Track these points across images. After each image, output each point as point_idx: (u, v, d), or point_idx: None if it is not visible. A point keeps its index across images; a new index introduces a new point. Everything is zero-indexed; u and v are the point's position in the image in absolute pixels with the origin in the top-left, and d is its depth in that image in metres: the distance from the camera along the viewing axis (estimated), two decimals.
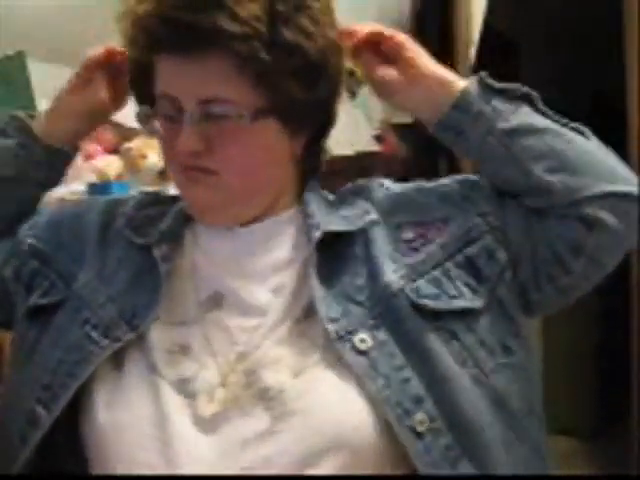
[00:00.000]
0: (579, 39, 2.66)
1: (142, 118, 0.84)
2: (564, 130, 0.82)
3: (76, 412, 0.79)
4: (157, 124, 0.84)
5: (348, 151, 2.08)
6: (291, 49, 0.79)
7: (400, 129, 2.46)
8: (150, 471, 0.73)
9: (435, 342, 0.76)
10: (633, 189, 0.80)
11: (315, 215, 0.85)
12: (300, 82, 0.81)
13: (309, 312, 0.79)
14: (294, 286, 0.81)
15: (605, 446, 2.36)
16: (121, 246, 0.86)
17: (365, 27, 0.86)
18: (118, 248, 0.86)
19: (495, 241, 0.81)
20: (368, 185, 0.90)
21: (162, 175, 1.98)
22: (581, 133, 0.83)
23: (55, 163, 0.93)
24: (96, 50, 0.90)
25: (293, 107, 0.82)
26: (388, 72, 0.86)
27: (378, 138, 2.40)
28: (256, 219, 0.85)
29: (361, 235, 0.83)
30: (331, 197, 0.90)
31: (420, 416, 0.73)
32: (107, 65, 0.90)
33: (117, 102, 0.93)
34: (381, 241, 0.83)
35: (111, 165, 1.94)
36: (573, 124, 0.84)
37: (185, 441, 0.73)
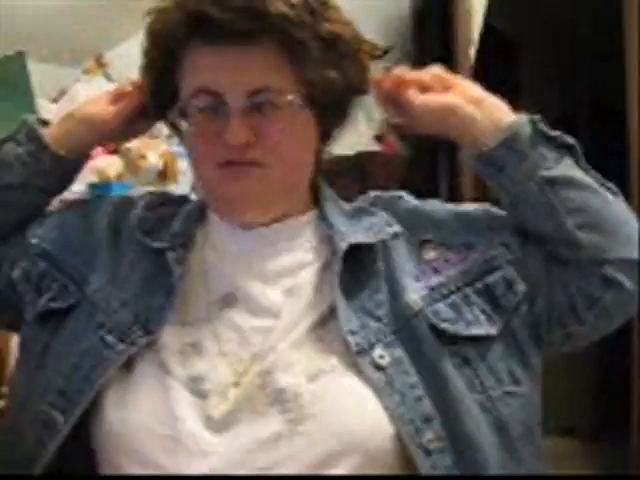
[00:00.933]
0: (579, 39, 2.66)
1: (178, 116, 0.82)
2: (601, 189, 0.83)
3: (86, 412, 0.78)
4: (184, 123, 0.82)
5: (348, 151, 2.08)
6: (332, 39, 0.81)
7: (400, 129, 2.46)
8: (159, 470, 0.72)
9: (448, 365, 0.77)
10: None
11: (337, 224, 0.85)
12: (338, 74, 0.82)
13: (327, 320, 0.80)
14: (310, 290, 0.81)
15: (605, 446, 2.36)
16: (133, 249, 0.86)
17: (407, 71, 0.86)
18: (130, 251, 0.86)
19: (515, 273, 0.82)
20: (387, 196, 0.91)
21: (162, 175, 1.99)
22: (614, 193, 0.84)
23: (64, 172, 0.93)
24: (137, 82, 0.90)
25: (330, 100, 0.83)
26: (446, 96, 0.85)
27: (378, 138, 2.40)
28: (274, 220, 0.85)
29: (383, 248, 0.84)
30: (346, 205, 0.90)
31: (429, 435, 0.75)
32: (136, 95, 0.90)
33: (130, 133, 0.94)
34: (403, 256, 0.83)
35: (111, 165, 1.94)
36: (608, 184, 0.85)
37: (196, 440, 0.73)
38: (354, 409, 0.74)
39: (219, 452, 0.72)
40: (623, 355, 1.81)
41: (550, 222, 0.82)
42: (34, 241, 0.89)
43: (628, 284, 0.82)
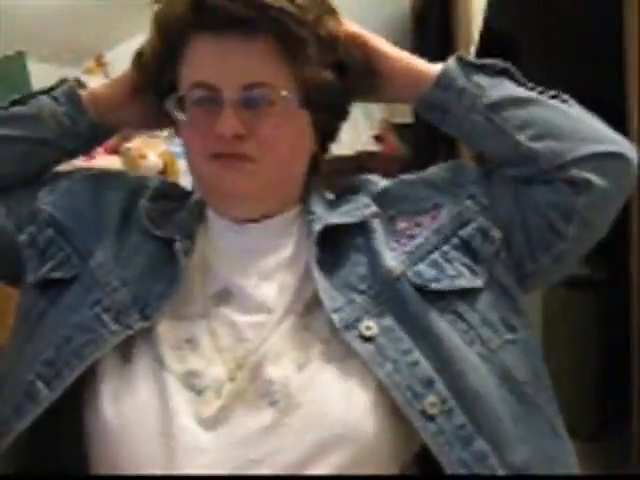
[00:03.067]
0: (579, 39, 2.66)
1: (174, 107, 0.83)
2: (546, 99, 0.84)
3: (79, 402, 0.79)
4: (180, 114, 0.83)
5: (348, 151, 2.08)
6: (331, 41, 0.83)
7: (400, 129, 2.46)
8: (154, 466, 0.73)
9: (441, 323, 0.77)
10: (617, 148, 0.82)
11: (316, 212, 0.86)
12: (336, 75, 0.84)
13: (312, 306, 0.80)
14: (298, 283, 0.82)
15: (605, 446, 2.36)
16: (138, 233, 0.86)
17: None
18: (135, 234, 0.87)
19: (488, 221, 0.83)
20: (364, 180, 0.92)
21: (162, 175, 1.99)
22: (563, 101, 0.85)
23: (93, 138, 0.93)
24: None
25: (326, 99, 0.84)
26: (366, 80, 0.88)
27: (378, 138, 2.40)
28: (266, 216, 0.85)
29: (361, 227, 0.84)
30: (330, 196, 0.91)
31: (431, 399, 0.74)
32: None
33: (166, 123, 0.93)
34: (379, 234, 0.84)
35: (111, 165, 1.94)
36: (554, 92, 0.85)
37: (190, 436, 0.73)
38: (341, 396, 0.74)
39: (212, 447, 0.73)
40: (623, 355, 1.81)
41: (504, 144, 0.83)
42: (44, 207, 0.89)
43: (598, 181, 0.80)
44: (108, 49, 2.67)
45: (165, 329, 0.80)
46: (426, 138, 2.46)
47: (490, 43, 2.30)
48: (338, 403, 0.74)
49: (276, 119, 0.81)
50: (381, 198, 0.88)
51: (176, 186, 0.99)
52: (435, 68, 0.87)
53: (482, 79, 0.85)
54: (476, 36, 2.30)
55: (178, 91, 0.84)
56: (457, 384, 0.75)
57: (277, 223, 0.86)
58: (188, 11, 0.80)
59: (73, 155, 0.95)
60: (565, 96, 0.86)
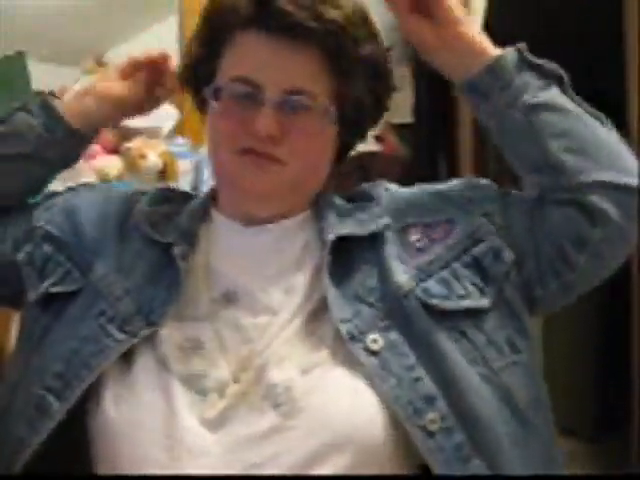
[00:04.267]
0: (579, 39, 2.66)
1: (211, 95, 0.83)
2: (586, 116, 0.83)
3: (84, 404, 0.78)
4: (215, 103, 0.83)
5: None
6: (373, 61, 0.84)
7: (400, 129, 2.46)
8: (157, 467, 0.73)
9: (445, 341, 0.77)
10: (634, 181, 0.80)
11: (328, 218, 0.86)
12: (370, 95, 0.86)
13: (319, 312, 0.80)
14: (306, 287, 0.82)
15: (605, 446, 2.36)
16: (137, 240, 0.87)
17: None
18: (135, 242, 0.87)
19: (500, 241, 0.82)
20: (376, 189, 0.92)
21: (162, 175, 1.98)
22: (602, 122, 0.84)
23: (74, 146, 0.94)
24: (145, 53, 0.92)
25: (356, 117, 0.86)
26: (422, 28, 0.85)
27: (378, 138, 2.39)
28: (275, 217, 0.86)
29: (373, 239, 0.84)
30: (339, 200, 0.91)
31: (431, 415, 0.74)
32: (151, 67, 0.92)
33: (150, 104, 0.95)
34: (391, 245, 0.84)
35: (111, 165, 1.94)
36: (597, 112, 0.84)
37: (193, 437, 0.73)
38: (346, 401, 0.74)
39: (215, 449, 0.72)
40: (623, 355, 1.81)
41: (535, 148, 0.82)
42: (40, 224, 0.90)
43: (614, 214, 0.79)
44: (108, 49, 2.67)
45: (169, 331, 0.80)
46: (426, 138, 2.46)
47: (490, 43, 2.30)
48: (342, 408, 0.74)
49: (310, 127, 0.82)
50: (393, 206, 0.88)
51: (176, 190, 1.00)
52: (493, 52, 0.84)
53: (532, 78, 0.83)
54: None
55: (216, 79, 0.84)
56: (458, 403, 0.75)
57: (285, 226, 0.86)
58: (248, 7, 0.81)
59: (59, 166, 0.95)
60: (605, 118, 0.85)
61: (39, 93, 0.95)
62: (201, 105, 0.90)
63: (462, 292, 0.80)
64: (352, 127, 0.88)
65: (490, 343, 0.79)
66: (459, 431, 0.74)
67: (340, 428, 0.72)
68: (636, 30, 1.67)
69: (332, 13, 0.80)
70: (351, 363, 0.76)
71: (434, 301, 0.79)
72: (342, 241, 0.83)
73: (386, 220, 0.86)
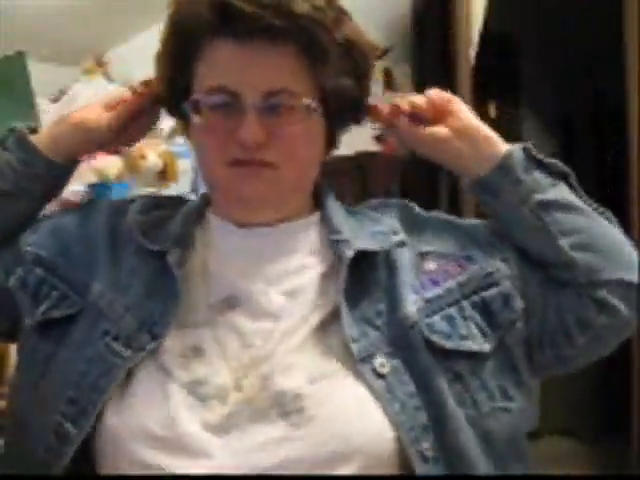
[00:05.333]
0: (579, 39, 2.66)
1: (189, 110, 0.82)
2: (594, 213, 0.85)
3: None
4: (196, 118, 0.82)
5: (348, 151, 2.08)
6: (349, 47, 0.82)
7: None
8: (160, 472, 0.72)
9: (440, 380, 0.77)
10: (637, 278, 0.83)
11: (343, 230, 0.85)
12: (352, 82, 0.84)
13: (328, 324, 0.79)
14: (313, 294, 0.81)
15: (605, 446, 2.36)
16: (131, 252, 0.85)
17: (405, 101, 0.86)
18: (129, 254, 0.85)
19: (513, 288, 0.83)
20: (394, 203, 0.92)
21: (162, 175, 1.99)
22: (609, 219, 0.86)
23: (55, 178, 0.92)
24: (131, 89, 0.90)
25: (342, 106, 0.84)
26: (435, 128, 0.86)
27: (378, 138, 2.39)
28: (278, 220, 0.85)
29: (387, 256, 0.84)
30: (350, 209, 0.91)
31: (425, 444, 0.75)
32: (134, 105, 0.90)
33: (128, 140, 0.93)
34: (405, 266, 0.83)
35: (111, 165, 1.94)
36: (602, 208, 0.86)
37: (196, 444, 0.72)
38: (355, 413, 0.74)
39: (219, 455, 0.72)
40: (623, 356, 1.81)
41: (545, 245, 0.83)
42: (28, 248, 0.88)
43: (623, 309, 0.82)
44: (108, 49, 2.67)
45: (169, 338, 0.79)
46: None
47: (490, 43, 2.30)
48: (352, 419, 0.73)
49: (296, 126, 0.80)
50: (414, 227, 0.88)
51: (165, 196, 0.98)
52: (501, 146, 0.85)
53: (541, 176, 0.84)
54: (476, 36, 2.30)
55: (192, 94, 0.82)
56: (444, 439, 0.76)
57: (287, 228, 0.85)
58: (211, 15, 0.79)
59: (42, 200, 0.93)
60: (609, 213, 0.86)
61: (13, 129, 0.91)
62: (181, 119, 0.88)
63: (465, 333, 0.80)
64: (338, 115, 0.86)
65: (482, 388, 0.79)
66: (443, 464, 0.75)
67: (349, 438, 0.72)
68: (636, 30, 1.67)
69: (298, 6, 0.77)
70: (360, 378, 0.76)
71: (436, 338, 0.79)
72: (358, 256, 0.82)
73: (401, 236, 0.86)
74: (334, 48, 0.81)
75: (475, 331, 0.80)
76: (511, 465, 0.80)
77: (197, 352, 0.78)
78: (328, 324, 0.79)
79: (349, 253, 0.81)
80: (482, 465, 0.77)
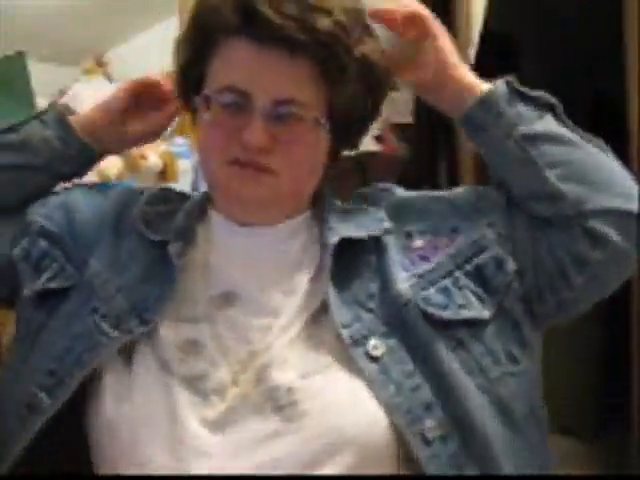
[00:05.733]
0: (579, 39, 2.66)
1: (200, 104, 0.83)
2: (583, 142, 0.84)
3: (82, 407, 0.79)
4: (205, 113, 0.82)
5: (348, 151, 2.08)
6: (367, 67, 0.83)
7: (400, 129, 2.45)
8: (159, 469, 0.72)
9: (443, 350, 0.77)
10: (635, 207, 0.80)
11: (330, 221, 0.85)
12: (364, 101, 0.85)
13: (319, 315, 0.80)
14: (306, 289, 0.81)
15: (605, 446, 2.36)
16: (133, 239, 0.86)
17: (401, 8, 0.87)
18: (130, 240, 0.86)
19: (504, 251, 0.82)
20: (379, 192, 0.92)
21: (162, 175, 1.99)
22: (600, 148, 0.84)
23: (86, 160, 0.94)
24: (145, 77, 0.93)
25: (349, 123, 0.85)
26: (419, 75, 0.88)
27: (378, 138, 2.39)
28: (276, 220, 0.85)
29: (375, 243, 0.84)
30: (342, 204, 0.91)
31: (429, 423, 0.74)
32: (148, 89, 0.93)
33: (149, 128, 0.95)
34: (393, 249, 0.83)
35: (111, 165, 1.93)
36: (592, 138, 0.85)
37: (195, 439, 0.73)
38: (348, 405, 0.74)
39: (216, 451, 0.72)
40: (623, 355, 1.81)
41: (533, 178, 0.83)
42: (36, 220, 0.89)
43: (617, 239, 0.80)
44: (108, 49, 2.67)
45: (168, 331, 0.79)
46: (426, 138, 2.46)
47: (490, 43, 2.30)
48: (344, 411, 0.74)
49: (302, 137, 0.81)
50: (397, 211, 0.88)
51: (174, 191, 0.99)
52: (483, 86, 0.87)
53: (525, 109, 0.84)
54: (476, 36, 2.30)
55: (204, 88, 0.83)
56: (454, 411, 0.75)
57: (285, 227, 0.86)
58: (234, 15, 0.79)
59: (67, 179, 0.95)
60: (601, 142, 0.85)
61: (52, 105, 0.93)
62: (192, 113, 0.89)
63: (462, 302, 0.80)
64: (345, 133, 0.87)
65: (488, 353, 0.79)
66: (454, 439, 0.74)
67: (341, 433, 0.72)
68: (636, 30, 1.67)
69: (322, 22, 0.78)
70: (352, 368, 0.76)
71: (433, 310, 0.79)
72: (344, 244, 0.83)
73: (388, 224, 0.86)
74: (351, 66, 0.81)
75: (472, 299, 0.80)
76: (529, 433, 0.79)
77: (196, 347, 0.78)
78: (320, 315, 0.80)
79: (333, 240, 0.82)
80: (498, 435, 0.76)
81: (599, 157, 0.83)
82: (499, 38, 2.54)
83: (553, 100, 0.86)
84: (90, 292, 0.83)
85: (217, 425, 0.74)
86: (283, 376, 0.75)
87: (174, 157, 2.00)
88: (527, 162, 0.83)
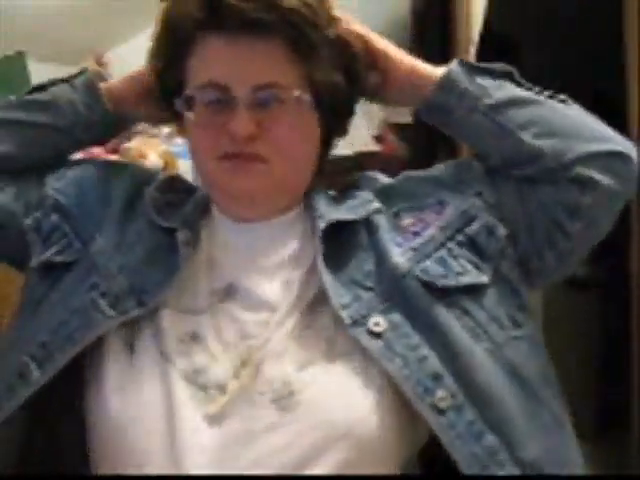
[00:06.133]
0: (579, 38, 2.66)
1: (183, 106, 0.83)
2: (547, 100, 0.86)
3: (82, 399, 0.79)
4: (189, 114, 0.83)
5: (348, 151, 2.08)
6: (341, 44, 0.84)
7: (400, 129, 2.46)
8: (157, 462, 0.73)
9: (448, 319, 0.77)
10: (620, 147, 0.83)
11: (320, 209, 0.86)
12: (344, 77, 0.85)
13: (316, 303, 0.81)
14: (302, 281, 0.82)
15: (605, 446, 2.36)
16: (142, 221, 0.87)
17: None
18: (139, 222, 0.87)
19: (493, 218, 0.83)
20: (365, 177, 0.93)
21: None
22: (562, 101, 0.86)
23: (106, 130, 0.94)
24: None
25: (334, 101, 0.85)
26: (369, 80, 0.89)
27: (378, 138, 2.39)
28: (267, 218, 0.85)
29: (365, 223, 0.85)
30: (332, 193, 0.92)
31: (441, 393, 0.74)
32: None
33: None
34: (384, 229, 0.84)
35: None
36: (553, 94, 0.86)
37: (194, 433, 0.73)
38: (343, 395, 0.74)
39: (215, 445, 0.73)
40: (623, 355, 1.81)
41: (508, 144, 0.84)
42: (51, 193, 0.90)
43: (602, 179, 0.81)
44: (108, 49, 2.66)
45: (169, 322, 0.80)
46: (426, 138, 2.46)
47: (490, 43, 2.30)
48: (340, 403, 0.74)
49: (287, 119, 0.81)
50: (385, 194, 0.89)
51: (183, 180, 1.00)
52: (438, 71, 0.88)
53: (484, 81, 0.86)
54: (476, 36, 2.30)
55: (185, 90, 0.84)
56: (465, 379, 0.75)
57: (281, 222, 0.87)
58: (200, 10, 0.81)
59: (85, 145, 0.96)
60: (563, 97, 0.87)
61: (84, 70, 0.94)
62: (175, 118, 0.89)
63: (460, 270, 0.81)
64: (333, 111, 0.87)
65: (491, 319, 0.79)
66: (470, 408, 0.74)
67: (338, 421, 0.73)
68: (636, 30, 1.67)
69: (287, 1, 0.79)
70: (350, 353, 0.76)
71: (433, 280, 0.79)
72: (335, 228, 0.83)
73: (377, 204, 0.86)
74: (323, 44, 0.82)
75: (469, 267, 0.81)
76: (543, 393, 0.79)
77: (196, 339, 0.79)
78: (317, 304, 0.80)
79: (322, 225, 0.82)
80: (513, 399, 0.76)
81: (565, 110, 0.85)
82: (499, 38, 2.54)
83: (508, 67, 0.88)
84: (92, 268, 0.84)
85: (216, 418, 0.74)
86: (279, 369, 0.76)
87: (174, 157, 2.00)
88: (499, 130, 0.84)
